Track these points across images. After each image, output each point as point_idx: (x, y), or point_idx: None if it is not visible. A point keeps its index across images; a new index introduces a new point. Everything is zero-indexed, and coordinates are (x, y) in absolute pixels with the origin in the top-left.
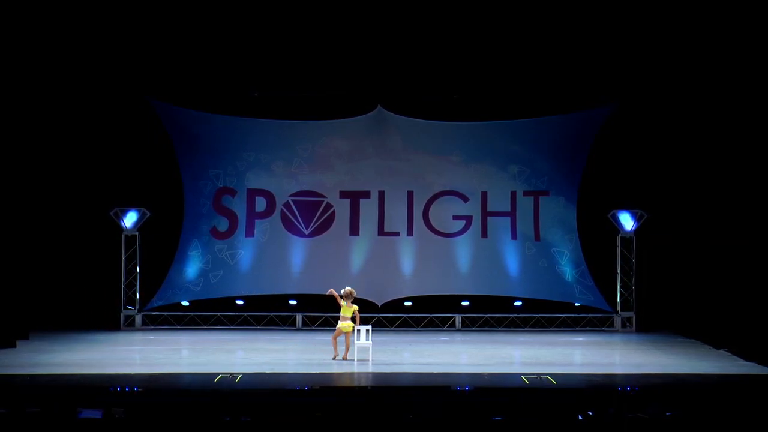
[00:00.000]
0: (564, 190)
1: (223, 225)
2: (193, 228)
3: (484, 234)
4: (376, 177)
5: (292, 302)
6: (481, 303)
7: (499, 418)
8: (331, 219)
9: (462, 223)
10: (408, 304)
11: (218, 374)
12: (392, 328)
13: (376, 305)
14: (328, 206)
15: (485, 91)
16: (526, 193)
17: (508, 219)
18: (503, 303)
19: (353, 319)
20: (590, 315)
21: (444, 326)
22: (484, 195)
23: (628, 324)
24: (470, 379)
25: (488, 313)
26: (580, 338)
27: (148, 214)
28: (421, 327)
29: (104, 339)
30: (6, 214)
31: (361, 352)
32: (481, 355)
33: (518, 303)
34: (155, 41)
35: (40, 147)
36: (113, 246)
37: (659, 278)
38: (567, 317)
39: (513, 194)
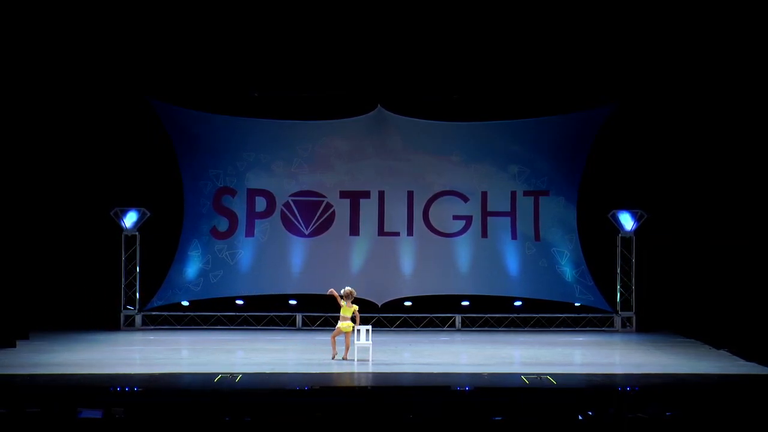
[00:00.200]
0: (564, 190)
1: (223, 225)
2: (193, 228)
3: (484, 234)
4: (376, 177)
5: (292, 302)
6: (481, 303)
7: (499, 418)
8: (331, 219)
9: (462, 223)
10: (408, 304)
11: (218, 374)
12: (392, 328)
13: (376, 305)
14: (328, 206)
15: (485, 91)
16: (526, 193)
17: (508, 219)
18: (503, 303)
19: (353, 319)
20: (590, 315)
21: (444, 326)
22: (484, 195)
23: (628, 324)
24: (470, 379)
25: (488, 313)
26: (580, 338)
27: (148, 214)
28: (421, 327)
29: (104, 339)
30: (6, 214)
31: (361, 352)
32: (481, 355)
33: (518, 303)
34: (155, 41)
35: (40, 147)
36: (113, 246)
37: (659, 278)
38: (567, 317)
39: (513, 194)
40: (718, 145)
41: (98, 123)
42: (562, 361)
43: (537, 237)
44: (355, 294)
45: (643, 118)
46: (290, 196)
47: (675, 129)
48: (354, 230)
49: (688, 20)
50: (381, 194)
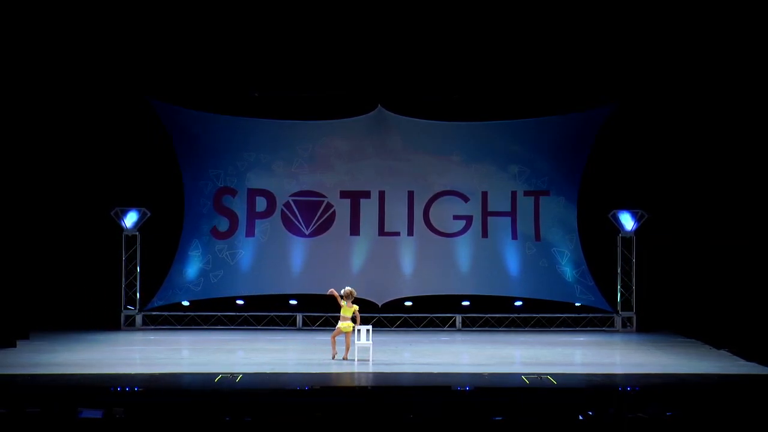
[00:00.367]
0: (564, 190)
1: (223, 225)
2: (193, 228)
3: (485, 234)
4: (376, 177)
5: (293, 302)
6: (481, 303)
7: (500, 418)
8: (331, 219)
9: (462, 223)
10: (408, 304)
11: (218, 374)
12: (392, 328)
13: (377, 305)
14: (329, 206)
15: (485, 91)
16: (526, 193)
17: (509, 219)
18: (504, 303)
19: (353, 319)
20: (590, 315)
21: (444, 326)
22: (484, 195)
23: (628, 324)
24: (470, 379)
25: (488, 313)
26: (581, 338)
27: (149, 214)
28: (422, 327)
29: (105, 339)
30: (7, 214)
31: (362, 352)
32: (482, 355)
33: (518, 303)
34: (156, 41)
35: (40, 147)
36: (113, 246)
37: (659, 278)
38: (567, 317)
39: (513, 194)
40: (718, 145)
41: (98, 123)
42: (563, 361)
43: (537, 237)
44: (355, 294)
45: (643, 118)
46: (290, 196)
47: (675, 129)
48: (354, 230)
49: (688, 20)
50: (381, 194)
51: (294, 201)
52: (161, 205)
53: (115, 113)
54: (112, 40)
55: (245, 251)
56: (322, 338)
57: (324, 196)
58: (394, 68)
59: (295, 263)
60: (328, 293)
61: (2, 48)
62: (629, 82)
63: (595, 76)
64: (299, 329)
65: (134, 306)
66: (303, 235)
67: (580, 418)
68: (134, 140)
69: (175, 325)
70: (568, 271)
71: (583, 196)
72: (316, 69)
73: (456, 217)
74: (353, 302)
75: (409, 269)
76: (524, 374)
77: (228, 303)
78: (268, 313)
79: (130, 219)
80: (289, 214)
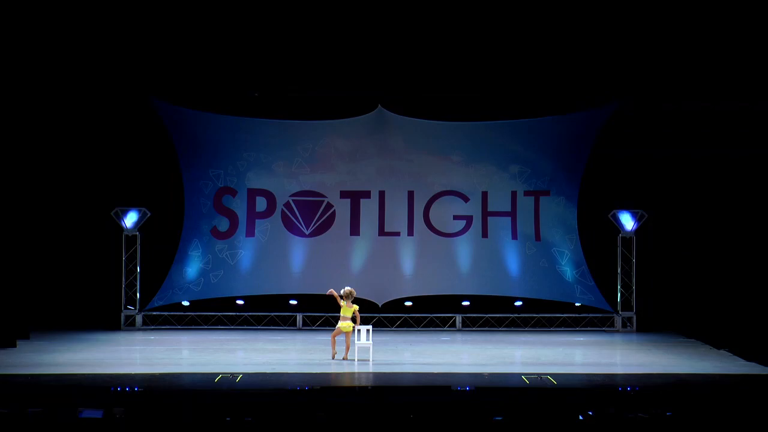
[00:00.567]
0: (565, 190)
1: (223, 225)
2: (193, 228)
3: (485, 234)
4: (376, 177)
5: (293, 302)
6: (481, 303)
7: (500, 418)
8: (331, 219)
9: (462, 223)
10: (408, 304)
11: (219, 374)
12: (393, 328)
13: (377, 305)
14: (329, 206)
15: (486, 91)
16: (526, 193)
17: (509, 219)
18: (504, 303)
19: (353, 319)
20: (591, 315)
21: (444, 326)
22: (484, 195)
23: (628, 324)
24: (471, 379)
25: (489, 313)
26: (581, 338)
27: (149, 214)
28: (422, 327)
29: (105, 339)
30: (7, 213)
31: (362, 352)
32: (482, 355)
33: (519, 303)
34: (156, 41)
35: (41, 147)
36: (114, 246)
37: (659, 278)
38: (567, 317)
39: (513, 194)
40: (718, 145)
41: (99, 123)
42: (563, 361)
43: (537, 237)
44: (354, 294)
45: (643, 118)
46: (291, 196)
47: (675, 129)
48: (354, 230)
49: (688, 19)
50: (381, 194)
51: (294, 201)
52: (161, 205)
53: (115, 113)
54: (113, 41)
55: (245, 251)
56: (323, 338)
57: (324, 196)
58: (394, 68)
59: (295, 263)
60: (327, 293)
61: (3, 48)
62: (629, 82)
63: (595, 76)
64: (299, 329)
65: (134, 306)
66: (303, 235)
67: (580, 418)
68: (135, 140)
69: (175, 325)
70: (568, 271)
71: (584, 196)
72: (317, 69)
73: (456, 217)
74: (353, 302)
75: (409, 269)
76: (524, 374)
77: (228, 303)
78: (269, 313)
79: (131, 219)
80: (290, 214)
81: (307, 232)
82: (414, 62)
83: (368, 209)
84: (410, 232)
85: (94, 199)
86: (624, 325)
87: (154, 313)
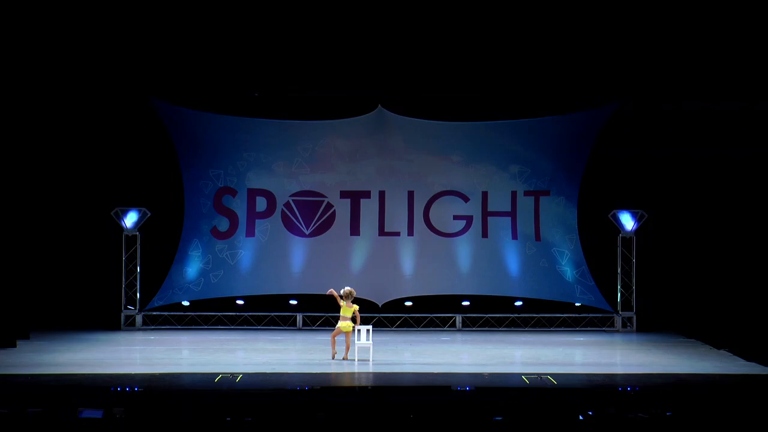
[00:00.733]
0: (565, 190)
1: (223, 225)
2: (193, 228)
3: (485, 234)
4: (376, 177)
5: (293, 302)
6: (481, 303)
7: (500, 418)
8: (331, 219)
9: (462, 223)
10: (408, 304)
11: (219, 374)
12: (393, 328)
13: (377, 305)
14: (329, 206)
15: (486, 91)
16: (526, 193)
17: (509, 219)
18: (504, 303)
19: (353, 319)
20: (591, 315)
21: (444, 326)
22: (484, 195)
23: (628, 324)
24: (471, 379)
25: (489, 313)
26: (581, 338)
27: (149, 214)
28: (422, 327)
29: (105, 339)
30: (7, 213)
31: (362, 352)
32: (482, 355)
33: (519, 303)
34: (157, 41)
35: (41, 147)
36: (114, 246)
37: (659, 278)
38: (567, 317)
39: (513, 194)
40: (718, 145)
41: (99, 123)
42: (563, 360)
43: (537, 237)
44: (354, 294)
45: (643, 118)
46: (291, 196)
47: (675, 129)
48: (354, 230)
49: (688, 19)
50: (381, 194)
51: (294, 201)
52: (161, 205)
53: (115, 113)
54: (113, 41)
55: (245, 251)
56: (323, 338)
57: (324, 196)
58: (394, 68)
59: (296, 263)
60: (327, 293)
61: (3, 48)
62: (629, 82)
63: (595, 76)
64: (299, 329)
65: (134, 306)
66: (303, 235)
67: (580, 418)
68: (135, 140)
69: (175, 325)
70: (568, 271)
71: (584, 196)
72: (317, 69)
73: (456, 217)
74: (353, 302)
75: (410, 269)
76: (524, 374)
77: (228, 303)
78: (269, 313)
79: (131, 219)
80: (290, 214)
81: (307, 232)
82: (414, 62)
83: (368, 209)
84: (410, 232)
85: (94, 199)
86: (624, 325)
87: (154, 313)
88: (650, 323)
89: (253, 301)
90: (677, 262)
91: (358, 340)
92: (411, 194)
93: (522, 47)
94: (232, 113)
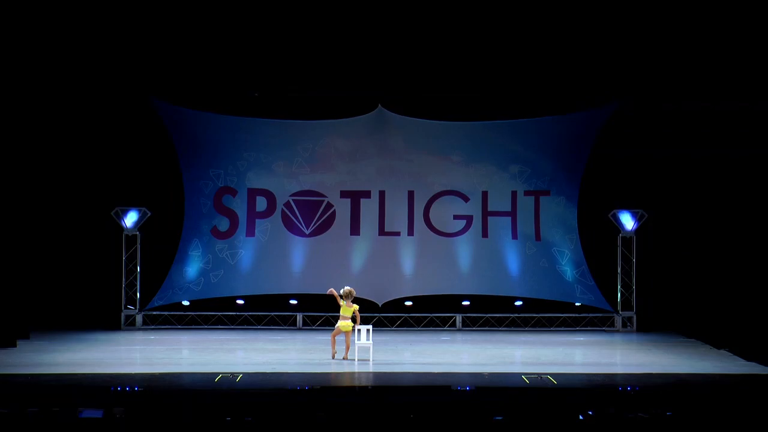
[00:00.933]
0: (565, 190)
1: (223, 225)
2: (193, 228)
3: (485, 234)
4: (376, 177)
5: (293, 302)
6: (481, 303)
7: (500, 418)
8: (331, 219)
9: (462, 223)
10: (408, 303)
11: (219, 374)
12: (393, 328)
13: (377, 305)
14: (329, 206)
15: (486, 91)
16: (526, 193)
17: (509, 219)
18: (504, 303)
19: (353, 319)
20: (591, 315)
21: (445, 326)
22: (484, 195)
23: (628, 324)
24: (471, 378)
25: (489, 313)
26: (581, 338)
27: (149, 214)
28: (422, 327)
29: (105, 338)
30: (7, 213)
31: (362, 352)
32: (482, 354)
33: (519, 303)
34: (157, 41)
35: (41, 147)
36: (114, 246)
37: (660, 278)
38: (567, 317)
39: (514, 194)
40: (718, 145)
41: (99, 122)
42: (563, 360)
43: (537, 237)
44: (354, 293)
45: (643, 118)
46: (291, 195)
47: (675, 129)
48: (354, 230)
49: (688, 19)
50: (381, 194)
51: (294, 201)
52: (161, 205)
53: (115, 113)
54: (113, 41)
55: (245, 251)
56: (323, 338)
57: (324, 196)
58: (394, 68)
59: (296, 263)
60: (327, 293)
61: (4, 47)
62: (629, 82)
63: (595, 76)
64: (299, 329)
65: (134, 306)
66: (303, 234)
67: (580, 417)
68: (135, 140)
69: (175, 325)
70: (568, 271)
71: (584, 196)
72: (317, 69)
73: (456, 217)
74: (353, 302)
75: (410, 269)
76: (524, 374)
77: (228, 303)
78: (269, 312)
79: (131, 219)
80: (290, 214)
81: (307, 232)
82: (414, 62)
83: (368, 209)
84: (410, 232)
85: (95, 199)
86: (624, 325)
87: (154, 312)
88: (650, 323)
89: (253, 301)
90: (677, 262)
91: (358, 339)
92: (411, 194)
93: (522, 47)
94: (232, 113)
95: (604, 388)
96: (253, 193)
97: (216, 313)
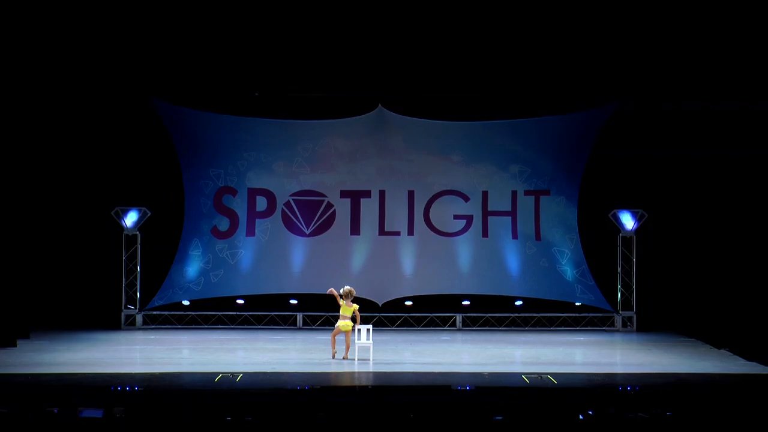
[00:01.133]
0: (565, 190)
1: (223, 224)
2: (193, 227)
3: (485, 233)
4: (376, 176)
5: (293, 302)
6: (481, 302)
7: (500, 418)
8: (331, 218)
9: (463, 223)
10: (409, 303)
11: (219, 374)
12: (393, 328)
13: (377, 305)
14: (329, 206)
15: (486, 91)
16: (527, 193)
17: (509, 218)
18: (504, 302)
19: (353, 319)
20: (591, 314)
21: (445, 326)
22: (484, 194)
23: (628, 323)
24: (471, 378)
25: (489, 313)
26: (581, 338)
27: (149, 214)
28: (422, 326)
29: (105, 338)
30: (7, 213)
31: (362, 352)
32: (482, 354)
33: (519, 302)
34: (157, 41)
35: (41, 146)
36: (114, 245)
37: (660, 278)
38: (568, 317)
39: (514, 194)
40: (718, 145)
41: (99, 122)
42: (563, 360)
43: (538, 236)
44: (354, 293)
45: (643, 118)
46: (291, 195)
47: (675, 129)
48: (355, 230)
49: (688, 19)
50: (382, 194)
51: (294, 200)
52: (162, 205)
53: (115, 113)
54: (114, 40)
55: (246, 251)
56: (323, 338)
57: (324, 196)
58: (394, 68)
59: (296, 263)
60: (327, 292)
61: (4, 47)
62: (629, 82)
63: (595, 76)
64: (300, 329)
65: (135, 305)
66: (303, 234)
67: (581, 417)
68: (135, 139)
69: (175, 325)
70: (568, 271)
71: (584, 196)
72: (317, 69)
73: (456, 217)
74: (353, 301)
75: (410, 269)
76: (525, 374)
77: (228, 302)
78: (269, 312)
79: (131, 218)
80: (290, 214)
81: (307, 232)
82: (414, 62)
83: (368, 209)
84: (410, 232)
85: (95, 199)
86: (624, 325)
87: (155, 312)
88: (650, 323)
89: (253, 301)
90: (677, 262)
91: (359, 339)
92: (411, 194)
93: (522, 47)
94: (232, 113)
95: (604, 388)
96: (253, 193)
97: (216, 312)
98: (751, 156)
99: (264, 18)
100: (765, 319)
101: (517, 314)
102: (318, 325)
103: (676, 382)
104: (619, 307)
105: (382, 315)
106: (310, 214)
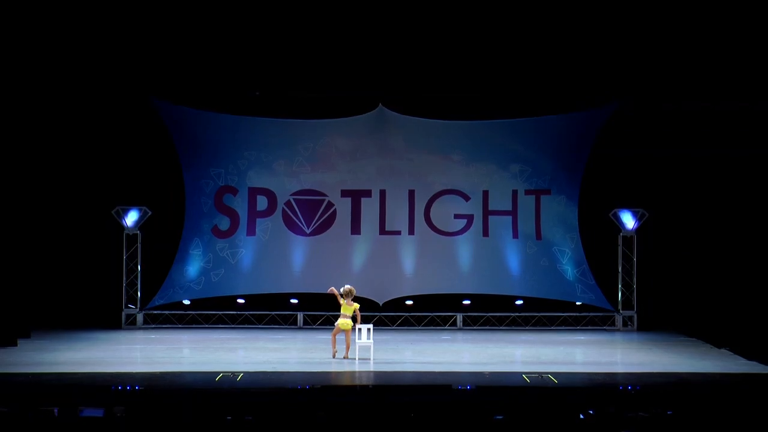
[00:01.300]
0: (565, 189)
1: (224, 224)
2: (194, 227)
3: (486, 233)
4: (377, 176)
5: (294, 301)
6: (482, 302)
7: (501, 417)
8: (332, 218)
9: (463, 222)
10: (409, 302)
11: (219, 373)
12: (393, 327)
13: (378, 304)
14: (330, 205)
15: (486, 90)
16: (527, 192)
17: (510, 218)
18: (504, 302)
19: (354, 318)
20: (591, 314)
21: (445, 325)
22: (485, 194)
23: (629, 323)
24: (471, 377)
25: (489, 312)
26: (582, 337)
27: (150, 213)
28: (423, 326)
29: (105, 338)
30: (7, 212)
31: (363, 351)
32: (483, 354)
33: (519, 302)
34: (157, 40)
35: (42, 146)
36: (115, 245)
37: (660, 277)
38: (568, 316)
39: (514, 193)
40: (718, 145)
41: (99, 122)
42: (564, 359)
43: (538, 236)
44: (354, 292)
45: (643, 118)
46: (291, 194)
47: (675, 129)
48: (355, 229)
49: (688, 20)
50: (382, 193)
51: (295, 200)
52: (162, 204)
53: (116, 112)
54: (114, 40)
55: (246, 250)
56: (323, 337)
57: (325, 195)
58: (394, 67)
59: (296, 262)
60: (328, 292)
61: (4, 47)
62: (629, 82)
63: (595, 76)
64: (300, 328)
65: (135, 305)
66: (304, 233)
67: (581, 417)
68: (135, 139)
69: (176, 324)
70: (569, 270)
71: (584, 195)
72: (317, 68)
73: (457, 216)
74: (353, 300)
75: (410, 268)
76: (525, 373)
77: (229, 302)
78: (269, 311)
79: (131, 218)
80: (290, 213)
81: (307, 231)
82: (414, 62)
83: (369, 208)
84: (411, 231)
85: (95, 198)
86: (625, 324)
87: (155, 311)
88: (651, 322)
89: (253, 300)
90: (678, 261)
91: (359, 338)
92: (412, 193)
93: (522, 47)
94: (232, 112)
95: (604, 387)
96: (253, 192)
97: (217, 312)
98: (751, 156)
99: (264, 18)
100: (765, 318)
101: (517, 314)
102: (318, 325)
103: (677, 381)
104: (620, 307)
105: (383, 314)
106: (310, 213)
